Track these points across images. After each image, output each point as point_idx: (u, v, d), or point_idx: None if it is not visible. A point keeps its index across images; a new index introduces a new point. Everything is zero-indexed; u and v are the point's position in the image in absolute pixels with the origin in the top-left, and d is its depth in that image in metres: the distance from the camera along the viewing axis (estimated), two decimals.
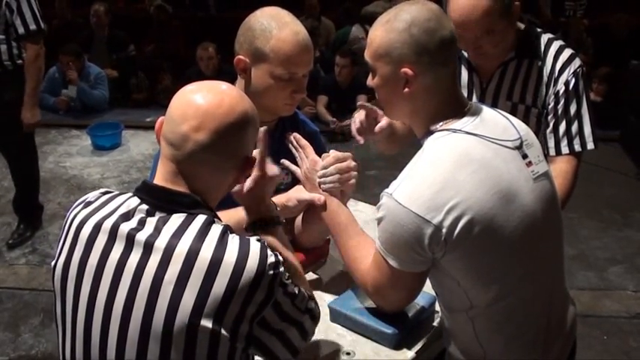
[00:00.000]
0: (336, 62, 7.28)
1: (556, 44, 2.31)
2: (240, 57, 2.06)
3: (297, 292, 1.50)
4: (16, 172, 4.92)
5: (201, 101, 1.46)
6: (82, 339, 1.45)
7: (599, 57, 7.92)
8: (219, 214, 1.87)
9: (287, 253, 1.64)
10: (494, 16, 2.10)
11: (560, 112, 2.25)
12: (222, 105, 1.46)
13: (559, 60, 2.27)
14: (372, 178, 4.14)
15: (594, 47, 8.25)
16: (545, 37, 2.33)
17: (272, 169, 1.75)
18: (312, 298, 1.59)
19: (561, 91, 2.25)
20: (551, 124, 2.27)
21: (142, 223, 1.43)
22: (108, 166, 6.51)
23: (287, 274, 1.48)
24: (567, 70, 2.25)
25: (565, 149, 2.27)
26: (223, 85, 1.53)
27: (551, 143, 2.26)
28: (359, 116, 2.20)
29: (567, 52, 2.29)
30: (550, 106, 2.27)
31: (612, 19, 8.30)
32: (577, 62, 2.27)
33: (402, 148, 2.47)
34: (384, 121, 2.18)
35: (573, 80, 2.25)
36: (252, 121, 1.52)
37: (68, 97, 7.45)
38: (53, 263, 1.52)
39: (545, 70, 2.28)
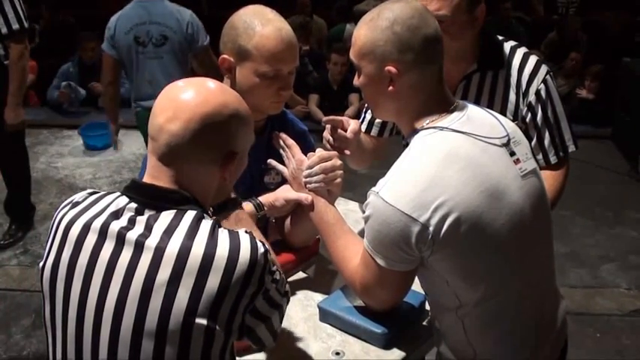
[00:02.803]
0: (333, 60, 7.21)
1: (519, 52, 2.24)
2: (225, 56, 2.05)
3: (278, 277, 1.51)
4: (8, 173, 4.91)
5: (178, 94, 1.47)
6: (73, 340, 1.44)
7: (591, 54, 7.94)
8: None
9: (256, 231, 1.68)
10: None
11: (540, 123, 2.21)
12: (197, 96, 1.46)
13: (525, 69, 2.21)
14: (363, 178, 4.13)
15: (587, 45, 8.26)
16: (507, 46, 2.26)
17: None
18: (286, 280, 1.61)
19: (534, 101, 2.19)
20: (535, 138, 2.23)
21: (131, 222, 1.42)
22: (99, 167, 6.49)
23: (273, 262, 1.49)
24: (536, 80, 2.19)
25: (554, 159, 2.24)
26: (209, 81, 1.53)
27: (539, 156, 2.23)
28: (326, 135, 2.16)
29: (532, 60, 2.23)
30: (528, 119, 2.21)
31: (604, 17, 8.33)
32: (544, 69, 2.22)
33: (372, 163, 2.49)
34: (353, 124, 2.15)
35: (544, 88, 2.20)
36: (236, 114, 1.50)
37: (68, 90, 7.37)
38: (41, 265, 1.51)
39: (511, 81, 2.22)
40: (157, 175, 1.47)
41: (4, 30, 4.23)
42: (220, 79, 1.95)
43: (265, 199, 2.04)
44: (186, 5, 6.02)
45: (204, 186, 1.52)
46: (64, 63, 7.68)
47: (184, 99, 1.45)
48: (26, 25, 4.34)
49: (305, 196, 1.96)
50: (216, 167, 1.50)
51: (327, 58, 7.44)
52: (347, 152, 2.16)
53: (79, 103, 7.49)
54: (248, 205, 2.02)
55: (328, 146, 2.15)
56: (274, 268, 1.48)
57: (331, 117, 2.16)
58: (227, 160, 1.50)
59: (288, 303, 1.61)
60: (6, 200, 5.02)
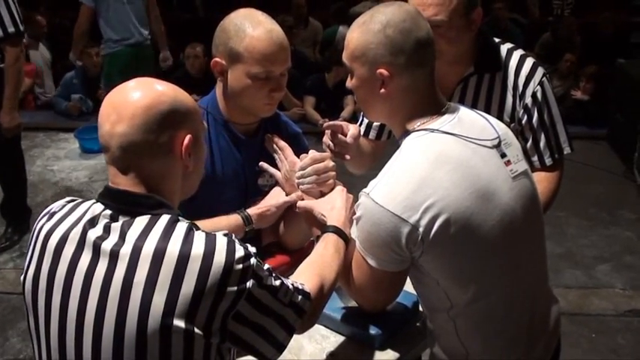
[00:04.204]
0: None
1: (516, 55, 2.24)
2: (217, 59, 2.06)
3: (279, 284, 1.48)
4: (3, 176, 4.90)
5: (116, 98, 1.47)
6: (57, 350, 1.44)
7: (586, 55, 7.95)
8: (204, 221, 1.86)
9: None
10: (454, 4, 2.03)
11: (536, 125, 2.21)
12: (135, 93, 1.45)
13: (522, 72, 2.21)
14: (358, 179, 4.12)
15: (581, 46, 8.28)
16: (504, 48, 2.26)
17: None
18: (304, 293, 1.56)
19: (530, 104, 2.20)
20: (530, 139, 2.23)
21: (106, 230, 1.42)
22: (96, 169, 6.48)
23: (265, 267, 1.47)
24: (532, 82, 2.19)
25: (549, 160, 2.25)
26: (143, 80, 1.52)
27: (534, 157, 2.24)
28: (326, 140, 2.17)
29: (529, 62, 2.23)
30: (524, 121, 2.22)
31: (599, 18, 8.34)
32: (540, 71, 2.22)
33: (371, 166, 2.46)
34: (352, 129, 2.15)
35: (540, 90, 2.20)
36: (176, 100, 1.48)
37: (79, 103, 7.40)
38: (22, 277, 1.50)
39: (508, 83, 2.22)
40: (119, 182, 1.46)
41: (0, 33, 4.23)
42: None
43: (254, 210, 2.04)
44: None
45: (169, 180, 1.50)
46: (62, 65, 7.67)
47: (123, 100, 1.45)
48: (22, 28, 4.33)
49: (294, 195, 1.97)
50: (175, 157, 1.48)
51: (321, 60, 7.45)
52: (347, 157, 2.16)
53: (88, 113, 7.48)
54: (236, 218, 2.02)
55: (328, 151, 2.16)
56: (266, 273, 1.46)
57: (331, 122, 2.17)
58: (182, 145, 1.48)
59: (299, 316, 1.54)
60: (2, 203, 5.02)
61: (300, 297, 1.54)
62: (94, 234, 1.41)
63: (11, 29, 4.24)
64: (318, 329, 1.96)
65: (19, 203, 5.03)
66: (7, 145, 4.63)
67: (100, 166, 6.53)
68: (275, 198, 2.06)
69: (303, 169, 1.97)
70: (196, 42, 7.34)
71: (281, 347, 1.52)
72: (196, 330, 1.36)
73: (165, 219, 1.42)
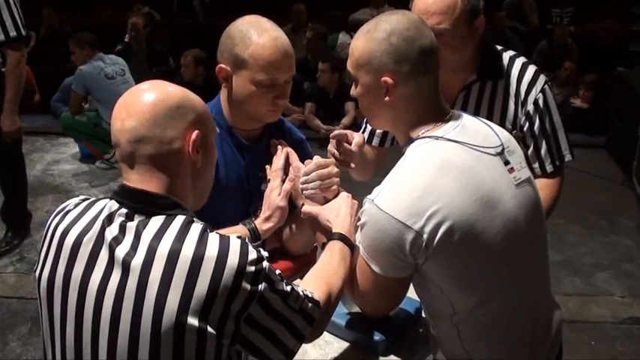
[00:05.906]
0: (319, 68, 7.35)
1: (518, 62, 2.27)
2: (222, 65, 2.07)
3: (289, 290, 1.49)
4: (4, 180, 4.89)
5: (126, 98, 1.51)
6: (72, 349, 1.45)
7: (585, 64, 7.98)
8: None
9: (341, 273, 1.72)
10: (457, 12, 2.05)
11: (537, 132, 2.24)
12: (143, 92, 1.50)
13: (524, 79, 2.23)
14: (361, 186, 4.11)
15: (581, 54, 8.31)
16: (506, 56, 2.28)
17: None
18: (313, 301, 1.57)
19: (532, 111, 2.22)
20: (531, 146, 2.25)
21: (122, 230, 1.43)
22: (96, 174, 6.50)
23: (277, 272, 1.48)
24: (534, 89, 2.22)
25: (550, 167, 2.27)
26: (152, 81, 1.56)
27: (535, 164, 2.26)
28: (331, 149, 2.17)
29: (531, 70, 2.25)
30: (525, 128, 2.24)
31: (598, 27, 8.37)
32: (542, 79, 2.24)
33: (374, 173, 2.47)
34: (357, 137, 2.15)
35: (542, 97, 2.22)
36: (184, 97, 1.52)
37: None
38: (37, 274, 1.52)
39: (510, 90, 2.24)
40: (132, 179, 1.48)
41: (2, 37, 4.21)
42: None
43: (260, 226, 2.04)
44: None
45: (180, 179, 1.51)
46: (61, 70, 7.70)
47: (134, 99, 1.49)
48: (24, 32, 4.33)
49: (288, 184, 1.99)
50: (183, 154, 1.50)
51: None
52: (352, 165, 2.17)
53: None
54: (242, 229, 2.01)
55: (333, 158, 2.16)
56: (278, 277, 1.47)
57: (337, 131, 2.18)
58: (190, 141, 1.49)
59: (308, 323, 1.55)
60: (2, 207, 5.01)
61: (310, 304, 1.55)
62: (110, 233, 1.43)
63: (13, 33, 4.24)
64: (322, 335, 1.96)
65: (19, 207, 5.03)
66: (7, 149, 4.63)
67: (100, 171, 6.55)
68: (274, 198, 2.05)
69: (307, 174, 1.98)
70: (190, 49, 7.34)
71: (290, 354, 1.53)
72: (209, 329, 1.37)
73: (180, 220, 1.43)
